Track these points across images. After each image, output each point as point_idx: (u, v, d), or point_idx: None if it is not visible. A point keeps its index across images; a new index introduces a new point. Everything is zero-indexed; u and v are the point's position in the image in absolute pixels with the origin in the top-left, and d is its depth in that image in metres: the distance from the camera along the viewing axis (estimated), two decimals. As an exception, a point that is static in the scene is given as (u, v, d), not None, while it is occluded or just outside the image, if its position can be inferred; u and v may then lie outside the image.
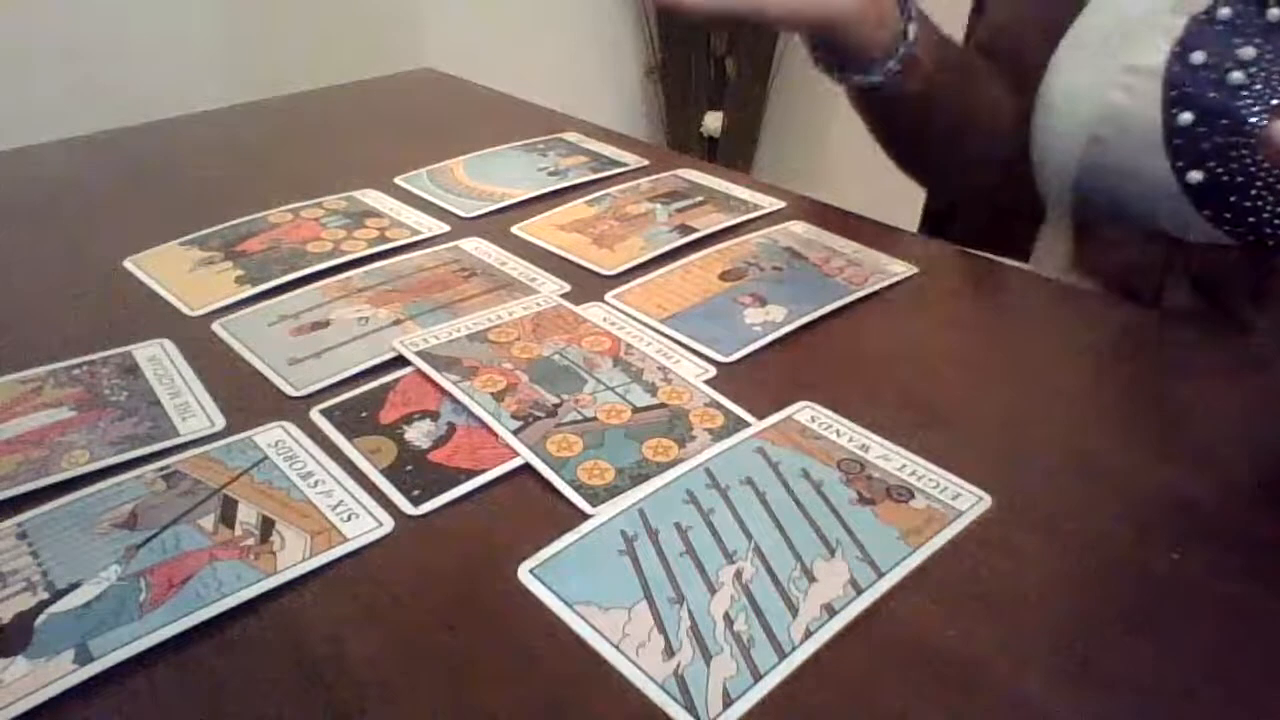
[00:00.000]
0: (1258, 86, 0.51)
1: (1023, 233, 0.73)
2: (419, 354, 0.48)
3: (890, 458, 0.41)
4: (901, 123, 0.65)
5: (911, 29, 0.58)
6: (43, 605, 0.33)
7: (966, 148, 0.69)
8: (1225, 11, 0.53)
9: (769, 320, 0.51)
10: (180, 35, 1.43)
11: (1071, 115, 0.59)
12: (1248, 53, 0.51)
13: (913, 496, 0.39)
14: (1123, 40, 0.57)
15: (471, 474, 0.40)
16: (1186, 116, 0.53)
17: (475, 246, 0.60)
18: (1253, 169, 0.51)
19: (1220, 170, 0.52)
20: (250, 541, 0.36)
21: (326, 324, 0.51)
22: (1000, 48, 0.68)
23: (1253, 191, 0.51)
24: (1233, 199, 0.52)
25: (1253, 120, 0.51)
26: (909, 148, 0.70)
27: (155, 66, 1.39)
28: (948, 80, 0.62)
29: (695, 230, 0.62)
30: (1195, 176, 0.53)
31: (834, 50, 0.59)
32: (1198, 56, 0.53)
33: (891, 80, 0.59)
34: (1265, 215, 0.52)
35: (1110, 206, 0.59)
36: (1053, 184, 0.63)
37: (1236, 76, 0.51)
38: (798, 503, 0.39)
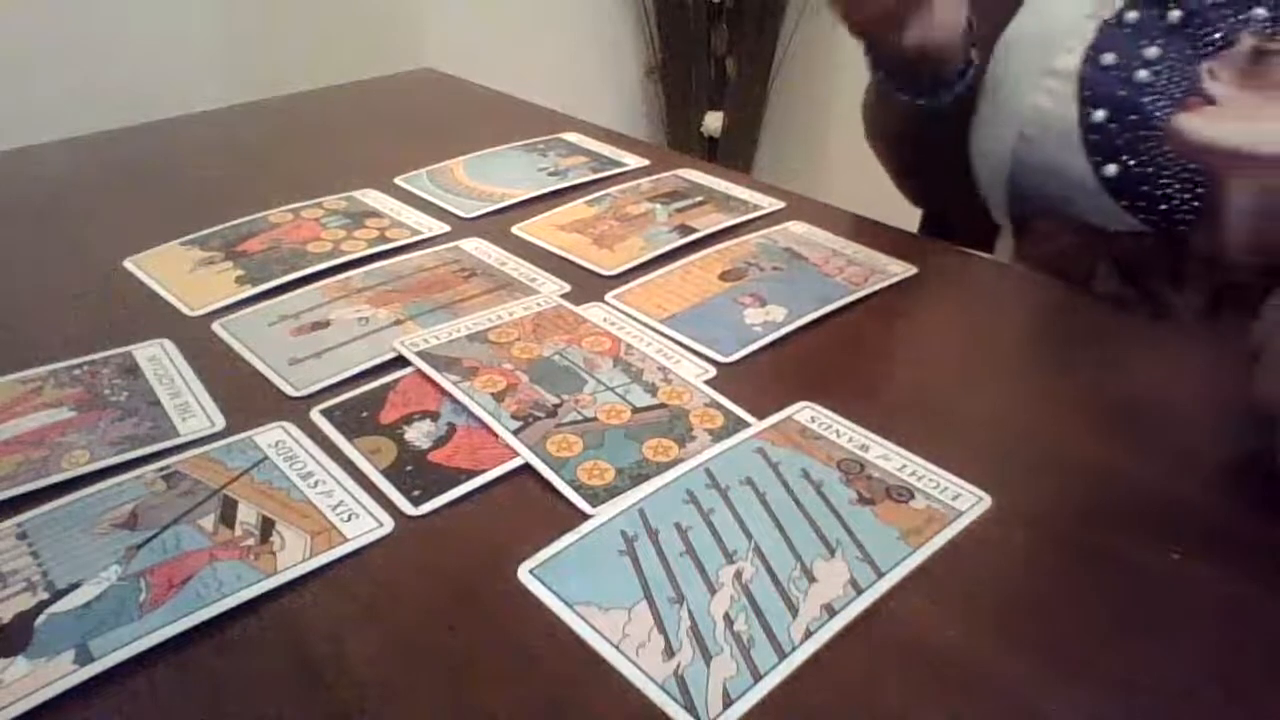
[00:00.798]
0: (1162, 83, 0.54)
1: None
2: (419, 354, 0.48)
3: (890, 458, 0.41)
4: (946, 137, 0.67)
5: (975, 54, 0.62)
6: (43, 605, 0.33)
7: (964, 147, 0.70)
8: (1132, 15, 0.56)
9: (769, 320, 0.51)
10: (180, 35, 1.43)
11: (1003, 116, 0.62)
12: (1152, 52, 0.55)
13: (913, 496, 0.39)
14: (1045, 45, 0.60)
15: (471, 474, 0.40)
16: (1099, 114, 0.56)
17: (475, 247, 0.60)
18: (1160, 160, 0.54)
19: (1132, 163, 0.55)
20: (250, 541, 0.36)
21: (326, 324, 0.51)
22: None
23: (1162, 181, 0.54)
24: (1145, 189, 0.55)
25: (1159, 115, 0.54)
26: (931, 160, 0.71)
27: (155, 66, 1.39)
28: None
29: (695, 230, 0.62)
30: (1110, 170, 0.55)
31: (911, 74, 0.62)
32: (1108, 58, 0.56)
33: (957, 99, 0.63)
34: (1175, 203, 0.54)
35: (1040, 201, 0.62)
36: (989, 182, 0.65)
37: (1142, 75, 0.55)
38: (798, 503, 0.39)
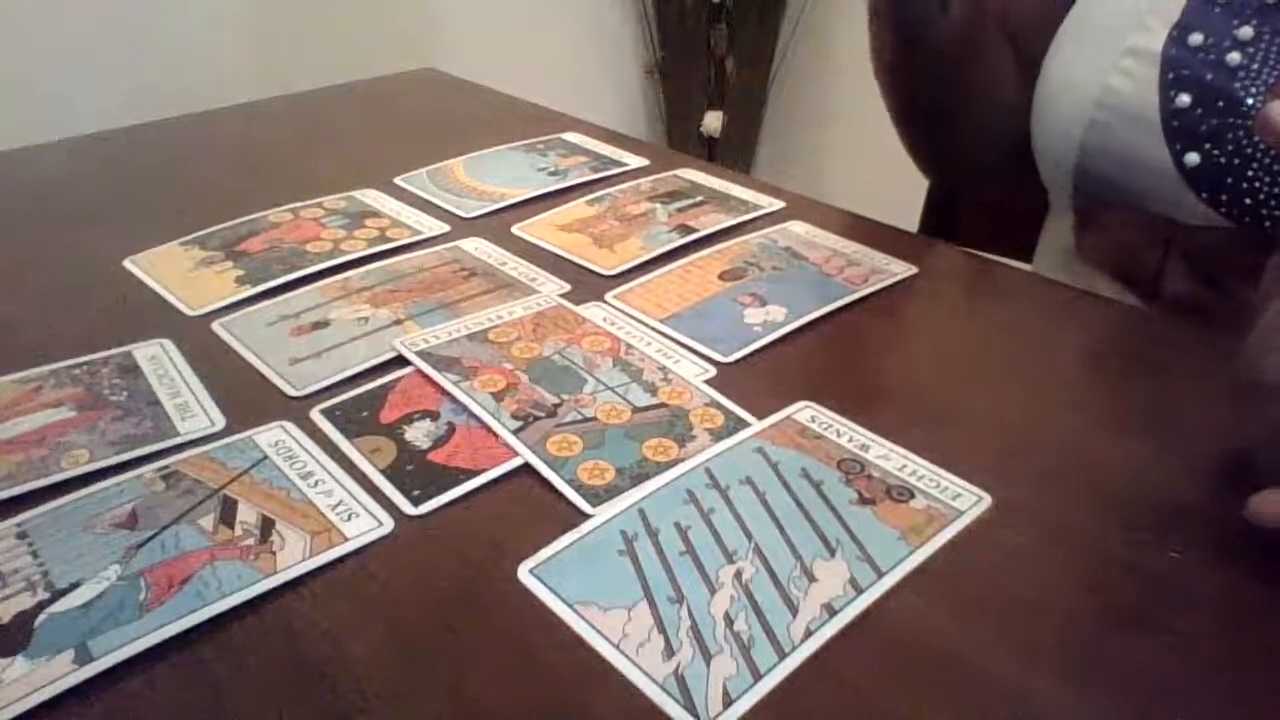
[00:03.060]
0: (1255, 67, 0.51)
1: (1024, 232, 0.73)
2: (419, 354, 0.48)
3: (890, 458, 0.41)
4: (940, 72, 0.65)
5: None
6: (43, 605, 0.33)
7: (971, 114, 0.69)
8: None
9: (769, 320, 0.51)
10: (180, 36, 1.43)
11: (1072, 100, 0.59)
12: (1245, 33, 0.51)
13: (913, 496, 0.39)
14: (1122, 24, 0.56)
15: (471, 474, 0.40)
16: (1184, 99, 0.52)
17: (475, 246, 0.60)
18: (1249, 150, 0.51)
19: (1217, 152, 0.52)
20: (250, 541, 0.36)
21: (326, 324, 0.51)
22: (1006, 27, 0.68)
23: (1249, 173, 0.51)
24: (1229, 181, 0.52)
25: (1250, 102, 0.50)
26: (927, 111, 0.70)
27: (154, 67, 1.39)
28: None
29: (695, 230, 0.61)
30: (1192, 159, 0.52)
31: None
32: (1195, 38, 0.52)
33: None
34: (1262, 197, 0.51)
35: (1109, 190, 0.59)
36: (1054, 169, 0.63)
37: (1234, 57, 0.51)
38: (798, 503, 0.39)
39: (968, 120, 0.69)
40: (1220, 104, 0.51)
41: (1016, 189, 0.68)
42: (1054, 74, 0.61)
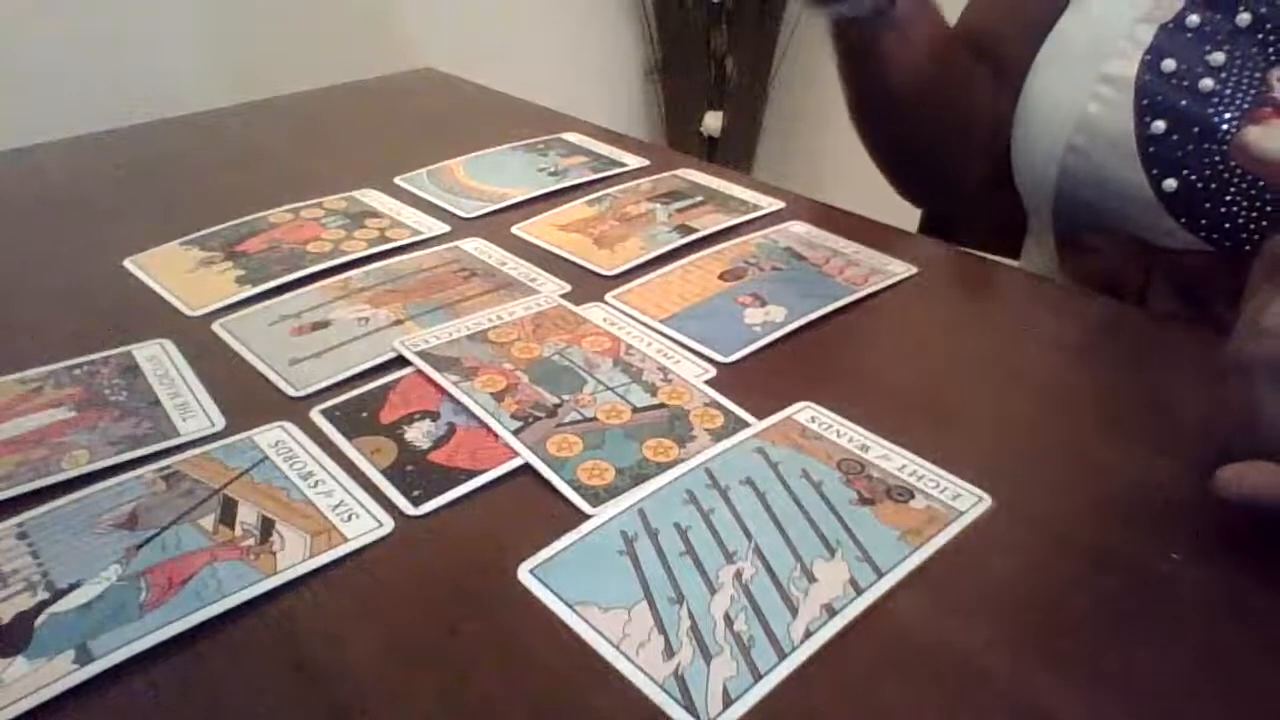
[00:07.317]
0: (1228, 92, 0.51)
1: (1024, 233, 0.73)
2: (419, 354, 0.48)
3: (890, 458, 0.41)
4: (881, 88, 0.65)
5: None
6: (43, 605, 0.33)
7: (945, 139, 0.69)
8: (1194, 19, 0.53)
9: (769, 320, 0.51)
10: (180, 35, 1.43)
11: (1049, 125, 0.59)
12: (1217, 59, 0.52)
13: (913, 496, 0.39)
14: (1097, 50, 0.57)
15: (471, 474, 0.40)
16: (1159, 125, 0.53)
17: (475, 247, 0.60)
18: (1225, 175, 0.51)
19: (1194, 177, 0.52)
20: (250, 542, 0.36)
21: (327, 324, 0.51)
22: (982, 43, 0.69)
23: (1227, 197, 0.51)
24: (1207, 205, 0.52)
25: (1224, 127, 0.51)
26: (891, 135, 0.70)
27: (155, 66, 1.39)
28: (929, 47, 0.64)
29: (695, 230, 0.61)
30: (1170, 184, 0.53)
31: None
32: (1168, 64, 0.53)
33: (875, 15, 0.59)
34: (1240, 221, 0.51)
35: (1089, 215, 0.59)
36: (1033, 193, 0.63)
37: (1207, 83, 0.52)
38: (798, 503, 0.39)
39: (945, 153, 0.70)
40: (1195, 130, 0.52)
41: (1006, 208, 0.68)
42: (1033, 99, 0.61)
